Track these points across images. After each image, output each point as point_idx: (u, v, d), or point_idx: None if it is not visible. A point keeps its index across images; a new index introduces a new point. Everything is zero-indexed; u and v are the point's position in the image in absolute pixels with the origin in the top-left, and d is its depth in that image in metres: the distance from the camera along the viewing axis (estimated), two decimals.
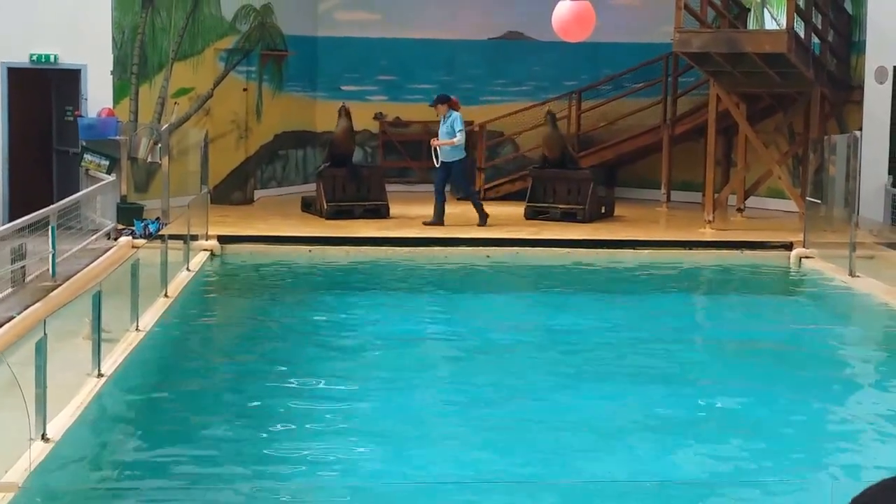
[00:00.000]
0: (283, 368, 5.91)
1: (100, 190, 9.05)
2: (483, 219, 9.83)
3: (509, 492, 4.16)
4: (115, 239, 8.81)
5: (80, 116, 9.81)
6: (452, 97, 10.21)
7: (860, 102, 10.31)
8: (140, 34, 10.51)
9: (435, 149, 10.01)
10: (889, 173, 10.05)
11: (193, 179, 10.02)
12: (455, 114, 9.93)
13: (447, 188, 10.21)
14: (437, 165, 10.03)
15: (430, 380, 5.77)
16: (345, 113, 10.69)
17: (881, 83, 10.17)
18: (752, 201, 11.11)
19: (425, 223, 9.79)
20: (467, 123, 12.61)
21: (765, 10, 11.36)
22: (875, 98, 10.18)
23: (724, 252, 9.23)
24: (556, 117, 11.00)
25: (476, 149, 12.37)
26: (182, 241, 8.02)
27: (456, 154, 9.93)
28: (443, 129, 9.98)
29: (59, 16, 9.89)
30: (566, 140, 11.40)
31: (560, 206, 10.48)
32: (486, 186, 12.10)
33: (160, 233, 8.10)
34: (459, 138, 9.84)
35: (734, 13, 10.86)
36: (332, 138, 10.87)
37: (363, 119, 12.77)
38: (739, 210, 10.93)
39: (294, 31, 12.29)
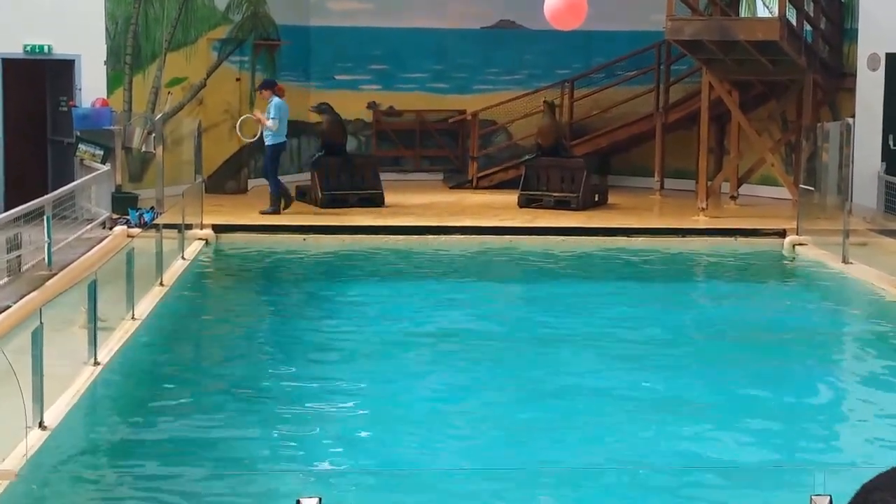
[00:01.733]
0: (279, 356, 5.94)
1: (94, 179, 9.05)
2: (273, 208, 9.57)
3: (498, 479, 4.20)
4: (110, 228, 8.82)
5: (75, 107, 9.79)
6: (278, 84, 10.08)
7: (853, 90, 10.34)
8: (133, 24, 10.48)
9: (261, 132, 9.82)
10: (882, 160, 10.09)
11: (187, 169, 10.02)
12: (276, 100, 9.83)
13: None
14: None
15: (422, 366, 5.81)
16: (326, 109, 10.65)
17: (873, 70, 10.20)
18: (745, 189, 11.14)
19: (262, 212, 9.57)
20: (460, 112, 12.65)
21: None
22: (867, 85, 10.21)
23: (718, 239, 9.26)
24: (554, 106, 11.00)
25: (469, 137, 12.39)
26: (177, 231, 8.03)
27: (275, 139, 9.79)
28: (266, 111, 9.78)
29: (52, 6, 9.87)
30: (561, 129, 11.41)
31: (553, 194, 10.51)
32: (480, 175, 12.11)
33: (155, 222, 8.11)
34: (272, 124, 9.71)
35: (726, 1, 10.86)
36: (321, 131, 10.86)
37: (356, 108, 12.76)
38: (733, 198, 10.95)
39: (286, 20, 12.26)
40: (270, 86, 9.98)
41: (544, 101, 10.98)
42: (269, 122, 9.73)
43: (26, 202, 7.15)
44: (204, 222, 9.04)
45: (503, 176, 11.95)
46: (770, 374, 5.72)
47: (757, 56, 9.82)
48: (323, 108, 10.69)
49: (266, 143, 9.82)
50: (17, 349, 4.50)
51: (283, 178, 12.24)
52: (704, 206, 10.11)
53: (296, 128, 12.50)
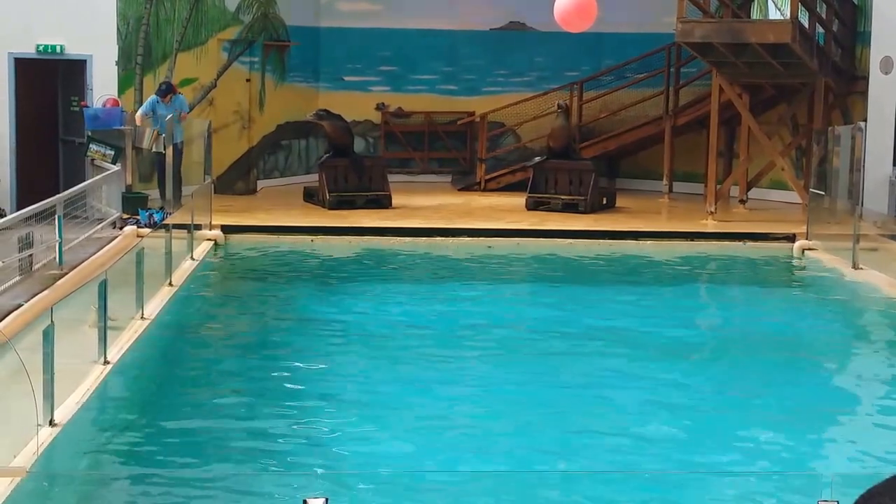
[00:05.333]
0: (286, 356, 5.95)
1: (105, 179, 9.09)
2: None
3: (501, 480, 4.20)
4: (121, 228, 8.86)
5: (86, 107, 9.84)
6: (173, 83, 10.00)
7: (865, 93, 10.29)
8: (144, 25, 10.53)
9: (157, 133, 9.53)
10: (893, 165, 10.04)
11: (197, 169, 10.05)
12: (181, 96, 9.82)
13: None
14: (159, 150, 9.55)
15: (429, 367, 5.81)
16: (325, 115, 10.55)
17: (886, 73, 10.15)
18: (754, 193, 11.10)
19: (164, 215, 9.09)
20: (468, 114, 12.68)
21: None
22: (880, 89, 10.15)
23: (727, 243, 9.24)
24: (568, 109, 10.97)
25: (478, 139, 12.39)
26: (186, 231, 8.06)
27: (182, 135, 9.72)
28: (167, 113, 9.53)
29: (65, 7, 9.93)
30: (573, 132, 11.40)
31: (561, 196, 10.50)
32: (488, 177, 12.12)
33: (164, 222, 8.14)
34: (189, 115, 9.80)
35: (737, 3, 10.82)
36: (327, 134, 10.87)
37: (365, 110, 12.78)
38: (742, 201, 10.92)
39: (296, 21, 12.30)
40: (172, 88, 9.82)
41: (557, 104, 10.97)
42: (188, 115, 9.79)
43: (38, 201, 7.19)
44: (213, 223, 9.07)
45: (511, 178, 11.95)
46: (778, 379, 5.70)
47: (768, 59, 9.79)
48: (321, 115, 10.67)
49: (177, 141, 9.60)
50: (28, 347, 4.53)
51: (290, 179, 12.33)
52: (713, 209, 10.09)
53: (304, 128, 12.56)
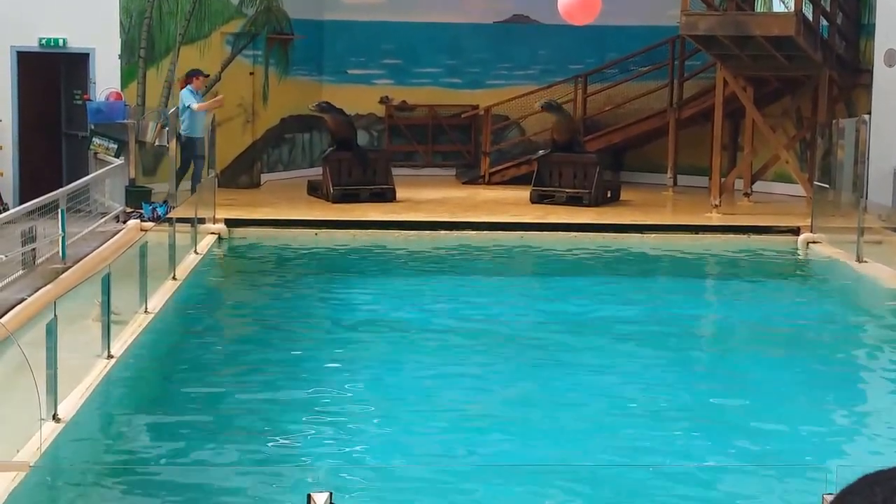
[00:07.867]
0: (290, 350, 5.96)
1: (108, 173, 9.10)
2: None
3: (509, 476, 4.20)
4: (124, 222, 8.87)
5: (89, 100, 9.84)
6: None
7: (869, 86, 10.25)
8: (147, 18, 10.52)
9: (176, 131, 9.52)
10: None
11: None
12: (183, 91, 9.80)
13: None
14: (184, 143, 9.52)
15: (434, 361, 5.82)
16: (327, 108, 10.51)
17: (890, 66, 10.10)
18: (759, 186, 11.08)
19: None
20: (472, 107, 12.66)
21: None
22: (884, 81, 10.11)
23: (731, 236, 9.22)
24: (554, 105, 10.82)
25: (482, 132, 12.37)
26: (190, 225, 8.07)
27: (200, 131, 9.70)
28: (195, 105, 9.59)
29: (67, 0, 9.91)
30: (576, 124, 11.36)
31: (566, 190, 10.48)
32: (492, 170, 12.10)
33: (168, 216, 8.14)
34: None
35: None
36: (329, 129, 10.85)
37: (369, 103, 12.76)
38: (746, 194, 10.89)
39: (300, 14, 12.28)
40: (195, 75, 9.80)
41: (541, 105, 10.68)
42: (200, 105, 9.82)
43: (41, 195, 7.20)
44: (217, 217, 9.08)
45: (515, 171, 11.93)
46: (781, 372, 5.69)
47: (772, 52, 9.75)
48: (323, 107, 10.63)
49: (197, 135, 9.58)
50: (31, 342, 4.54)
51: (294, 173, 12.32)
52: (718, 202, 10.06)
53: (308, 122, 12.55)
